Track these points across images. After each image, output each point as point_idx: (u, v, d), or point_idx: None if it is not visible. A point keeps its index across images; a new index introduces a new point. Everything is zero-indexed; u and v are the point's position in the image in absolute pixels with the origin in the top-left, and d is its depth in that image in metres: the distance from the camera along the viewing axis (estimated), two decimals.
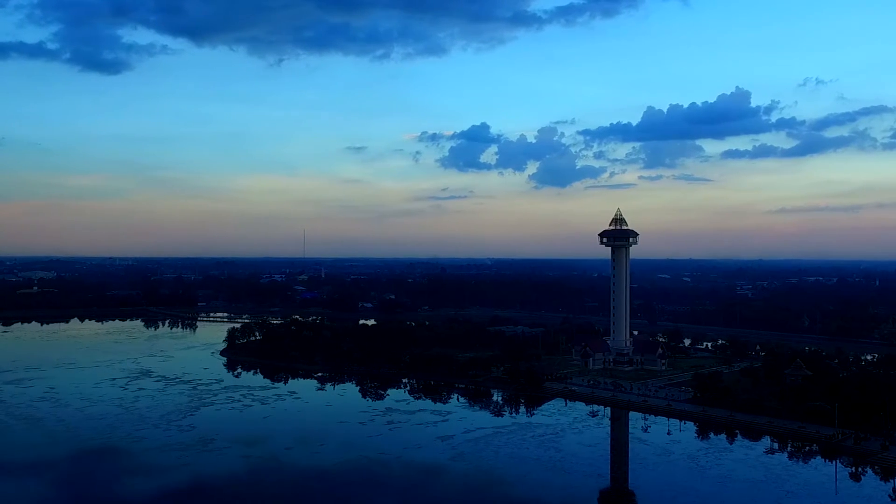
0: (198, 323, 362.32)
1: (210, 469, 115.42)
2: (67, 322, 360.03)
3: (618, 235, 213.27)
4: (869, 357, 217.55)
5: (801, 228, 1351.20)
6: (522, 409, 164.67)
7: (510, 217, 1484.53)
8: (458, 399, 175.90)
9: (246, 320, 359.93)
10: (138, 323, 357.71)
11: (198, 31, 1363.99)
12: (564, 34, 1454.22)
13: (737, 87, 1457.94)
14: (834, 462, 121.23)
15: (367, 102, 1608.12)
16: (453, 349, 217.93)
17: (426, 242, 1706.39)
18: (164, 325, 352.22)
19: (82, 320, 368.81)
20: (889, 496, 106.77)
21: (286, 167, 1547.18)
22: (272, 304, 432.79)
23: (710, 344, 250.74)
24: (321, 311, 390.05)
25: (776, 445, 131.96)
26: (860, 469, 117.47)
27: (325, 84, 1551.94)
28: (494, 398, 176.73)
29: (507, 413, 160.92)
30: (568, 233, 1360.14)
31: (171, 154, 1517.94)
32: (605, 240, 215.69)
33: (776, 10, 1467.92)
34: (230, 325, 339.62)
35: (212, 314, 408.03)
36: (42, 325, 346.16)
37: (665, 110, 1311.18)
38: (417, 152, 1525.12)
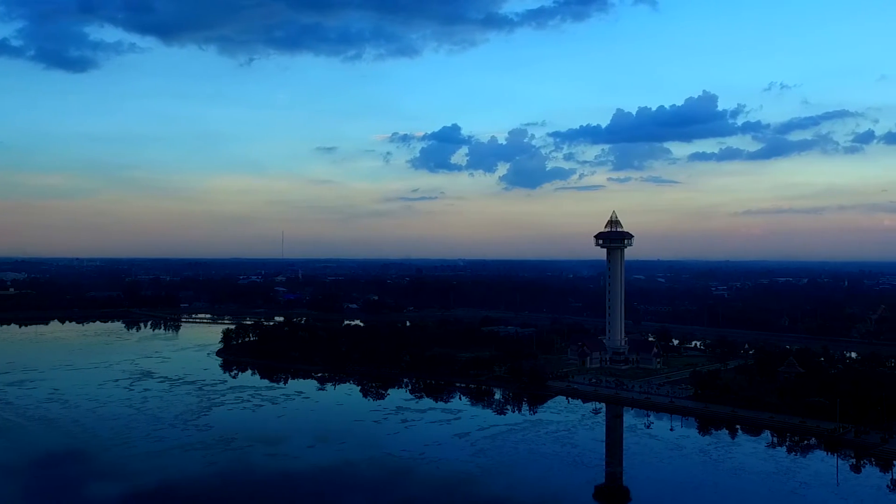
0: (182, 324, 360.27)
1: (238, 467, 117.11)
2: (47, 324, 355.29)
3: (613, 237, 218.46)
4: (853, 355, 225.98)
5: (765, 230, 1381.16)
6: (529, 407, 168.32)
7: (481, 218, 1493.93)
8: (459, 398, 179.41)
9: (229, 321, 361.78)
10: (120, 325, 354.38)
11: (167, 29, 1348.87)
12: (535, 37, 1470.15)
13: (704, 90, 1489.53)
14: (837, 455, 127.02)
15: (338, 103, 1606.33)
16: (450, 349, 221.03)
17: (397, 243, 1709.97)
18: (146, 326, 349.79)
19: (62, 322, 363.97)
20: (888, 486, 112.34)
21: (256, 167, 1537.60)
22: (255, 305, 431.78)
23: (698, 343, 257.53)
24: (305, 312, 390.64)
25: (777, 440, 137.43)
26: (861, 461, 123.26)
27: (296, 84, 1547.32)
28: (497, 397, 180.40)
29: (515, 411, 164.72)
30: (538, 234, 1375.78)
31: (140, 153, 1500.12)
32: (600, 241, 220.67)
33: (743, 17, 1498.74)
34: (215, 327, 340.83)
35: (194, 315, 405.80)
36: (21, 326, 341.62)
37: (634, 113, 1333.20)
38: (388, 153, 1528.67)
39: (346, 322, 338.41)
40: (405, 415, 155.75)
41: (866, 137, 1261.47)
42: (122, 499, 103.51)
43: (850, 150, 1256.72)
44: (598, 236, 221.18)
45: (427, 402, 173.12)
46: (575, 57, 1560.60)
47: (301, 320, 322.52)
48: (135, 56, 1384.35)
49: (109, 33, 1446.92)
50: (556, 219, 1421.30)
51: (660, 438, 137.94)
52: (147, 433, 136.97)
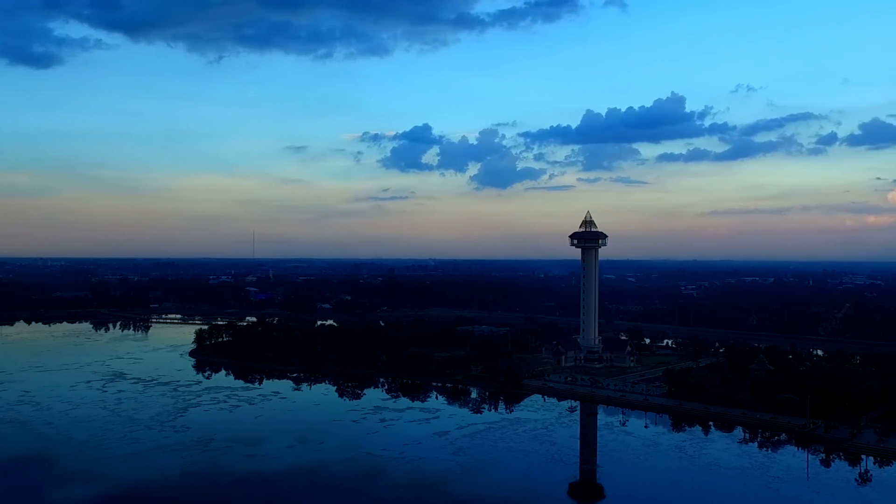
0: (152, 325, 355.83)
1: (218, 468, 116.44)
2: (13, 325, 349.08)
3: (588, 237, 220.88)
4: (819, 352, 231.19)
5: (732, 230, 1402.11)
6: (509, 405, 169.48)
7: (452, 218, 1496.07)
8: (436, 397, 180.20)
9: (200, 322, 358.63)
10: (88, 325, 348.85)
11: (134, 25, 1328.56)
12: (506, 37, 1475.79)
13: (672, 92, 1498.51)
14: (807, 450, 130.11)
15: (308, 102, 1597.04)
16: (425, 349, 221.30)
17: (368, 243, 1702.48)
18: (115, 327, 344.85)
19: (29, 323, 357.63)
20: (856, 480, 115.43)
21: (225, 166, 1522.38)
22: (226, 305, 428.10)
23: (669, 341, 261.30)
24: (277, 312, 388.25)
25: (749, 436, 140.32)
26: (831, 456, 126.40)
27: (266, 82, 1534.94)
28: (473, 396, 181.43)
29: (492, 409, 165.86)
30: (509, 234, 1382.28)
31: (105, 151, 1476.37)
32: (575, 241, 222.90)
33: (710, 20, 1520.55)
34: (186, 327, 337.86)
35: (164, 316, 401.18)
36: None
37: (603, 114, 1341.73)
38: (359, 152, 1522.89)
39: (320, 322, 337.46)
40: (383, 414, 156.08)
41: (829, 139, 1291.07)
42: (100, 500, 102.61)
43: (814, 152, 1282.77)
44: (573, 236, 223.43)
45: (404, 401, 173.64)
46: (546, 58, 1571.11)
47: (273, 320, 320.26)
48: (101, 53, 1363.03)
49: (75, 29, 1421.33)
50: (527, 219, 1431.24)
51: (636, 435, 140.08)
52: (123, 435, 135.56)
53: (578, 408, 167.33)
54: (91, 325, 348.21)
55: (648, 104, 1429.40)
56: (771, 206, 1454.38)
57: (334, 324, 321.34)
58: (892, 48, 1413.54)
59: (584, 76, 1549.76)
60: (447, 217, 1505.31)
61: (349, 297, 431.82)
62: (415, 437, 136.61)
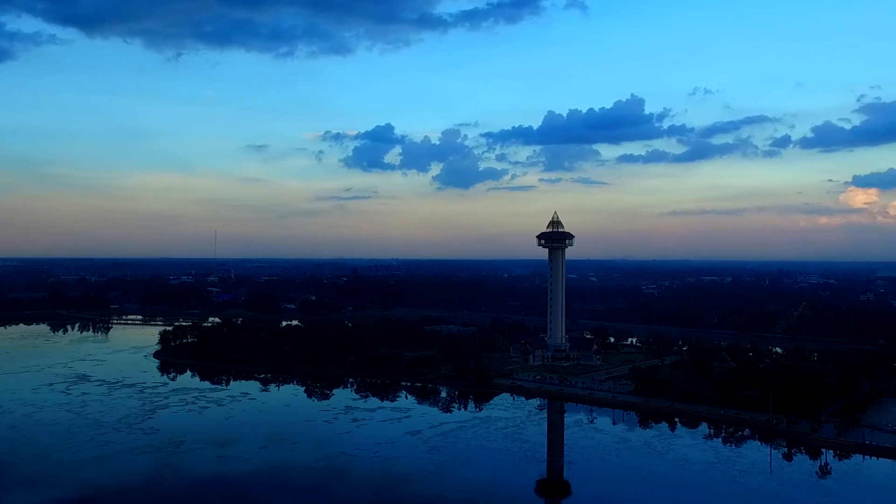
0: (113, 326, 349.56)
1: (190, 470, 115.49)
2: None
3: (555, 237, 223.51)
4: (778, 350, 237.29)
5: (690, 230, 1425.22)
6: (479, 404, 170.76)
7: (414, 218, 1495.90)
8: (406, 397, 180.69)
9: (161, 323, 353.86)
10: (45, 327, 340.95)
11: (89, 20, 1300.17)
12: (469, 38, 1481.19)
13: (632, 94, 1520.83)
14: (770, 444, 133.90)
15: (269, 100, 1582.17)
16: (393, 349, 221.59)
17: (330, 243, 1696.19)
18: (74, 328, 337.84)
19: None
20: (817, 473, 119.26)
21: (183, 165, 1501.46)
22: (188, 305, 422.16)
23: (633, 340, 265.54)
24: (241, 313, 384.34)
25: (715, 431, 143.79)
26: (793, 450, 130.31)
27: (226, 80, 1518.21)
28: (443, 395, 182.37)
29: (462, 409, 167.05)
30: (471, 234, 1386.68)
31: (60, 149, 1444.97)
32: (542, 241, 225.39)
33: (669, 24, 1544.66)
34: (148, 328, 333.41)
35: (125, 317, 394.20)
36: None
37: (564, 115, 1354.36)
38: (320, 152, 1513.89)
39: (285, 323, 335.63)
40: (355, 414, 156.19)
41: (783, 142, 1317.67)
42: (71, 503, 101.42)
43: (769, 154, 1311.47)
44: (541, 236, 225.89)
45: (375, 401, 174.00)
46: (508, 59, 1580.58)
47: (237, 321, 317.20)
48: (55, 48, 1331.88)
49: (27, 23, 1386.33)
50: (489, 219, 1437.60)
51: (605, 432, 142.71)
52: (90, 438, 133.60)
53: (547, 406, 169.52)
54: (49, 327, 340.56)
55: (608, 106, 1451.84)
56: (727, 207, 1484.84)
57: (299, 324, 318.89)
58: (843, 55, 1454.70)
59: (546, 77, 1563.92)
60: (409, 217, 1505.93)
61: (314, 298, 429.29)
62: (388, 437, 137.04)
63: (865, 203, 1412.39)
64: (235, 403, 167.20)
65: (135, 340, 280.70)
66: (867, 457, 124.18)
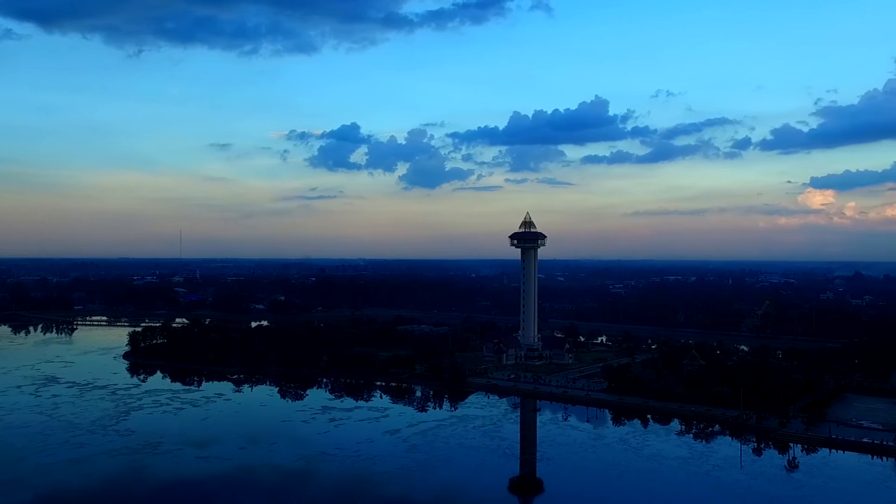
0: (78, 327, 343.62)
1: (171, 472, 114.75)
2: None
3: (528, 238, 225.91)
4: (744, 348, 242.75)
5: (653, 230, 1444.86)
6: (454, 403, 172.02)
7: (380, 218, 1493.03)
8: (381, 396, 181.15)
9: (127, 324, 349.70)
10: (7, 329, 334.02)
11: (46, 15, 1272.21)
12: (435, 38, 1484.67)
13: (596, 95, 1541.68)
14: (741, 439, 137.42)
15: (233, 98, 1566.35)
16: (367, 348, 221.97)
17: (296, 242, 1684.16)
18: (37, 330, 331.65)
19: None
20: (785, 467, 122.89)
21: (145, 163, 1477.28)
22: (154, 306, 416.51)
23: (603, 338, 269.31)
24: (210, 314, 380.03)
25: (687, 428, 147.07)
26: (763, 445, 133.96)
27: (189, 78, 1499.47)
28: (418, 394, 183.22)
29: (438, 408, 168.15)
30: (438, 234, 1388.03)
31: (17, 147, 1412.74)
32: (515, 241, 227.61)
33: (633, 27, 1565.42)
34: (115, 329, 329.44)
35: (89, 318, 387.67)
36: None
37: (530, 116, 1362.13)
38: (285, 151, 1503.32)
39: (254, 323, 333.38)
40: (332, 414, 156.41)
41: (744, 144, 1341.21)
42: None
43: (730, 156, 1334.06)
44: (513, 237, 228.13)
45: (351, 401, 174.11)
46: (474, 59, 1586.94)
47: (205, 321, 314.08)
48: (11, 43, 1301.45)
49: None
50: (456, 218, 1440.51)
51: (581, 429, 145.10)
52: (65, 440, 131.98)
53: (522, 404, 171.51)
54: (10, 329, 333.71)
55: (573, 107, 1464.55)
56: (689, 208, 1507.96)
57: (268, 324, 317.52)
58: (800, 59, 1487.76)
59: (511, 78, 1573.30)
60: (376, 217, 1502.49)
61: (282, 298, 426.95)
62: (366, 436, 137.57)
63: (822, 204, 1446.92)
64: (210, 404, 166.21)
65: (102, 342, 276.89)
66: (833, 450, 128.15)
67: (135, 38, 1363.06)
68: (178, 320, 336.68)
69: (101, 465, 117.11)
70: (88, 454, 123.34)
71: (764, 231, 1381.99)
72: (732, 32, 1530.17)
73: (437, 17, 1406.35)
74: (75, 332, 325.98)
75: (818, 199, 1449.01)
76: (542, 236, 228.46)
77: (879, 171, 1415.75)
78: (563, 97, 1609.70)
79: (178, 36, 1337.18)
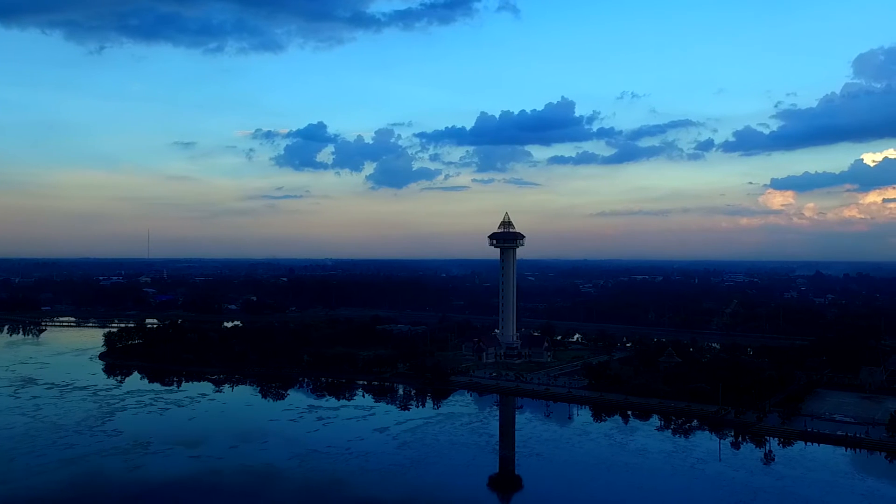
0: (47, 328, 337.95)
1: (165, 471, 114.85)
2: None
3: (507, 237, 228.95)
4: (715, 345, 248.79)
5: (618, 230, 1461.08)
6: (439, 401, 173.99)
7: (347, 217, 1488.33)
8: (363, 395, 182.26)
9: (95, 325, 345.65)
10: None
11: (4, 10, 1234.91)
12: (402, 38, 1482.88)
13: (562, 97, 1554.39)
14: (721, 433, 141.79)
15: (197, 96, 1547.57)
16: (346, 348, 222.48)
17: (262, 242, 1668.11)
18: (3, 331, 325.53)
19: None
20: (761, 460, 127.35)
21: (106, 161, 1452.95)
22: (124, 307, 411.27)
23: (579, 337, 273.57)
24: (181, 314, 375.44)
25: (669, 423, 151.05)
26: (742, 438, 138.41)
27: (152, 75, 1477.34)
28: (401, 393, 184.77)
29: (424, 406, 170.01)
30: (405, 234, 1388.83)
31: None
32: (494, 241, 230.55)
33: (598, 29, 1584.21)
34: (86, 331, 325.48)
35: (57, 319, 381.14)
36: None
37: (497, 116, 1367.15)
38: (251, 150, 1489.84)
39: (227, 323, 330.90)
40: (319, 413, 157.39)
41: (706, 145, 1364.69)
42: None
43: (693, 157, 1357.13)
44: (493, 236, 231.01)
45: (336, 400, 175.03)
46: (441, 59, 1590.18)
47: (177, 322, 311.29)
48: None
49: None
50: (423, 218, 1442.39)
51: (567, 426, 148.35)
52: (52, 441, 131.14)
53: (507, 401, 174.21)
54: None
55: (540, 108, 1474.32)
56: (654, 208, 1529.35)
57: (241, 325, 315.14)
58: (761, 63, 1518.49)
59: (479, 79, 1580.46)
60: (343, 216, 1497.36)
61: (254, 298, 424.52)
62: (356, 434, 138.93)
63: (783, 205, 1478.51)
64: (195, 404, 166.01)
65: (74, 343, 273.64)
66: (809, 443, 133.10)
67: (97, 35, 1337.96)
68: (148, 321, 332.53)
69: (94, 466, 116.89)
70: (79, 454, 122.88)
71: (726, 231, 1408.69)
72: (695, 36, 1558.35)
73: (404, 17, 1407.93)
74: (44, 333, 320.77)
75: (778, 199, 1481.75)
76: (521, 236, 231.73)
77: (837, 172, 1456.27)
78: (529, 98, 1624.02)
79: (142, 33, 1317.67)
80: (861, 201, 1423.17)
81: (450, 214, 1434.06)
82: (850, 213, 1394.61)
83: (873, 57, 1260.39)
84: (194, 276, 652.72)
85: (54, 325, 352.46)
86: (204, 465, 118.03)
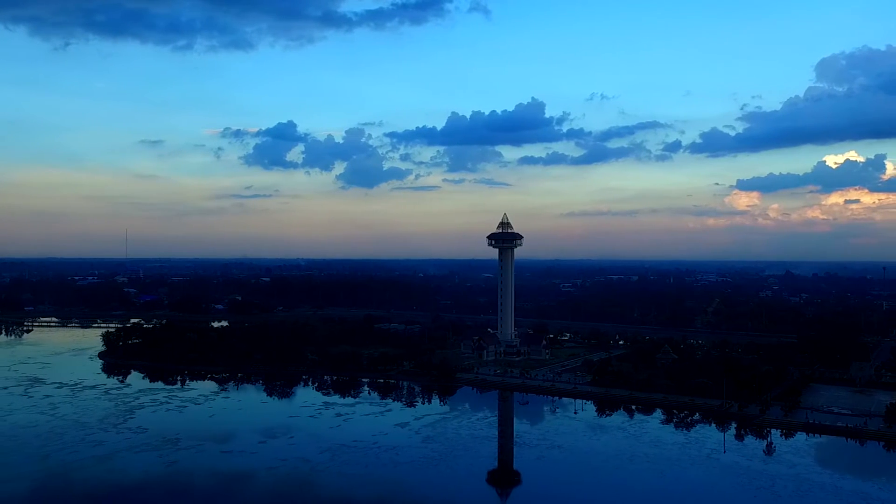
0: (33, 329, 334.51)
1: (202, 466, 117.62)
2: None
3: (505, 238, 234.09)
4: (700, 341, 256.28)
5: (588, 231, 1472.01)
6: (449, 397, 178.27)
7: (317, 217, 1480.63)
8: (369, 392, 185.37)
9: (77, 325, 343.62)
10: None
11: None
12: (374, 37, 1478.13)
13: (533, 98, 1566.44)
14: (728, 425, 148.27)
15: (165, 94, 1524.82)
16: (348, 347, 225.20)
17: (231, 242, 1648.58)
18: None
19: None
20: (763, 451, 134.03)
21: (71, 160, 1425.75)
22: (109, 307, 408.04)
23: (569, 335, 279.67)
24: (167, 314, 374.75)
25: (675, 416, 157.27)
26: (748, 430, 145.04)
27: (119, 73, 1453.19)
28: (408, 390, 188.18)
29: (438, 402, 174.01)
30: (376, 233, 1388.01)
31: None
32: (493, 242, 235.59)
33: (568, 31, 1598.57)
34: (74, 331, 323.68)
35: (39, 319, 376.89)
36: None
37: (468, 116, 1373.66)
38: (220, 148, 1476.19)
39: (215, 323, 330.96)
40: (336, 409, 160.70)
41: (674, 147, 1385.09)
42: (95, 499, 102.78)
43: (661, 158, 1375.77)
44: (491, 237, 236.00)
45: (351, 397, 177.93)
46: (412, 60, 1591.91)
47: (173, 322, 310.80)
48: None
49: None
50: (394, 218, 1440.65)
51: (579, 419, 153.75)
52: (81, 438, 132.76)
53: (514, 397, 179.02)
54: None
55: (510, 108, 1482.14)
56: (622, 209, 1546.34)
57: (229, 324, 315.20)
58: (727, 66, 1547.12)
59: (450, 79, 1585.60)
60: (313, 216, 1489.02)
61: (239, 298, 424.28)
62: (379, 429, 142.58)
63: (748, 206, 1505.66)
64: (210, 402, 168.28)
65: (67, 343, 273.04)
66: (810, 434, 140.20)
67: (62, 31, 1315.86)
68: (133, 321, 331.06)
69: (129, 462, 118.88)
70: (111, 451, 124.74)
71: (693, 231, 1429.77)
72: (663, 39, 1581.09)
73: (375, 17, 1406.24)
74: (30, 333, 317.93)
75: (744, 200, 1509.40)
76: (519, 237, 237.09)
77: (801, 174, 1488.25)
78: (500, 99, 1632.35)
79: (109, 29, 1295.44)
80: (824, 202, 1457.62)
81: (421, 214, 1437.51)
82: (814, 213, 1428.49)
83: (835, 62, 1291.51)
84: (170, 277, 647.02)
85: (39, 326, 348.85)
86: (240, 460, 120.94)
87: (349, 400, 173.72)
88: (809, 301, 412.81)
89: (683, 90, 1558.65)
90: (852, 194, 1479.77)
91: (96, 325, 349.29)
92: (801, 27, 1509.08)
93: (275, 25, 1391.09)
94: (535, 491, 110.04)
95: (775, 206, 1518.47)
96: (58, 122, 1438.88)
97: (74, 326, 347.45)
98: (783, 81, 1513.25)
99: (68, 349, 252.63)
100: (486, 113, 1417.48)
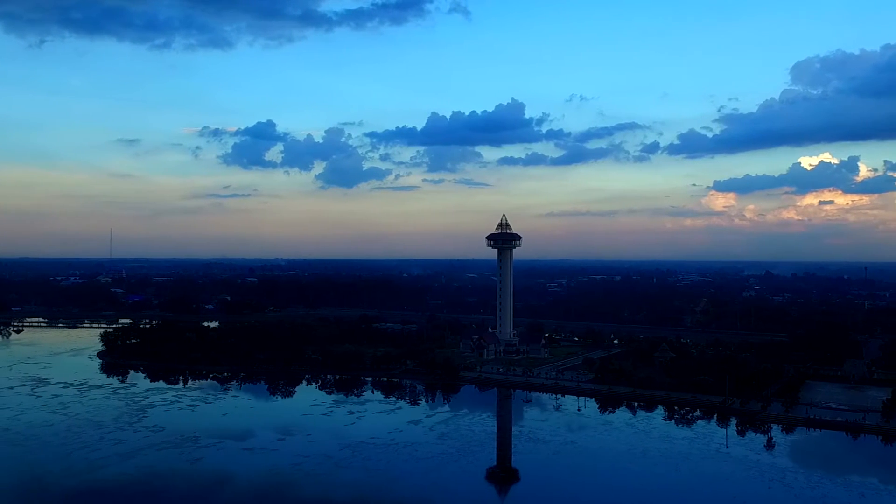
0: (23, 329, 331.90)
1: (227, 462, 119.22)
2: None
3: (504, 238, 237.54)
4: (689, 340, 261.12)
5: (567, 231, 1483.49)
6: (454, 395, 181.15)
7: (297, 217, 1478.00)
8: (372, 391, 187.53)
9: (64, 325, 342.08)
10: None
11: None
12: (354, 37, 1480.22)
13: (513, 98, 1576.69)
14: (731, 420, 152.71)
15: (142, 93, 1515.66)
16: (349, 346, 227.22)
17: (210, 242, 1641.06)
18: None
19: None
20: (764, 446, 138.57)
21: (45, 158, 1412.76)
22: (98, 307, 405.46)
23: (565, 334, 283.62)
24: (158, 314, 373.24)
25: (679, 413, 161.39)
26: (750, 425, 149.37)
27: (95, 70, 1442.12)
28: (416, 389, 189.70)
29: (445, 400, 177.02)
30: (356, 233, 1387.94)
31: None
32: (492, 242, 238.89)
33: (548, 32, 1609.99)
34: (65, 331, 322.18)
35: (27, 320, 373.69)
36: None
37: (448, 117, 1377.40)
38: (198, 147, 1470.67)
39: (206, 323, 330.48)
40: (347, 407, 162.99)
41: (652, 148, 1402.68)
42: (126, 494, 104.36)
43: (639, 159, 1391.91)
44: (490, 237, 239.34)
45: (358, 396, 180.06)
46: (392, 60, 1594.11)
47: (152, 322, 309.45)
48: None
49: None
50: (374, 218, 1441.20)
51: (587, 416, 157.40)
52: (100, 437, 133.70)
53: (519, 395, 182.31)
54: None
55: (490, 109, 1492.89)
56: (601, 209, 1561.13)
57: (219, 324, 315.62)
58: (704, 69, 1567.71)
59: (430, 79, 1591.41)
60: (292, 216, 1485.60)
61: (229, 298, 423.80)
62: (393, 426, 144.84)
63: (725, 206, 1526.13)
64: (223, 401, 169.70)
65: (61, 343, 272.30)
66: (811, 429, 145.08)
67: (37, 28, 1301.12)
68: (122, 321, 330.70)
69: (153, 459, 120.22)
70: (133, 449, 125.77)
71: (671, 232, 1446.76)
72: (642, 42, 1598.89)
73: (356, 17, 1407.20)
74: (21, 333, 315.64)
75: (721, 201, 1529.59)
76: (518, 237, 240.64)
77: (776, 175, 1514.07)
78: (480, 99, 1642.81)
79: (85, 27, 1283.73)
80: (799, 203, 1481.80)
81: (400, 214, 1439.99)
82: (789, 214, 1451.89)
83: (810, 65, 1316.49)
84: (153, 277, 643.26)
85: (28, 327, 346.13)
86: (263, 457, 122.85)
87: (361, 398, 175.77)
88: (792, 301, 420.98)
89: (661, 92, 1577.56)
90: (826, 195, 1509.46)
91: (85, 325, 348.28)
92: (777, 31, 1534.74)
93: (254, 24, 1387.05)
94: (558, 486, 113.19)
95: (751, 206, 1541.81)
96: (33, 119, 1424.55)
97: (62, 327, 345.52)
98: (759, 84, 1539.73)
99: (65, 349, 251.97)
100: (466, 113, 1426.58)
